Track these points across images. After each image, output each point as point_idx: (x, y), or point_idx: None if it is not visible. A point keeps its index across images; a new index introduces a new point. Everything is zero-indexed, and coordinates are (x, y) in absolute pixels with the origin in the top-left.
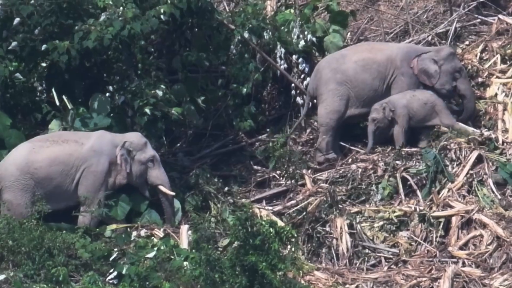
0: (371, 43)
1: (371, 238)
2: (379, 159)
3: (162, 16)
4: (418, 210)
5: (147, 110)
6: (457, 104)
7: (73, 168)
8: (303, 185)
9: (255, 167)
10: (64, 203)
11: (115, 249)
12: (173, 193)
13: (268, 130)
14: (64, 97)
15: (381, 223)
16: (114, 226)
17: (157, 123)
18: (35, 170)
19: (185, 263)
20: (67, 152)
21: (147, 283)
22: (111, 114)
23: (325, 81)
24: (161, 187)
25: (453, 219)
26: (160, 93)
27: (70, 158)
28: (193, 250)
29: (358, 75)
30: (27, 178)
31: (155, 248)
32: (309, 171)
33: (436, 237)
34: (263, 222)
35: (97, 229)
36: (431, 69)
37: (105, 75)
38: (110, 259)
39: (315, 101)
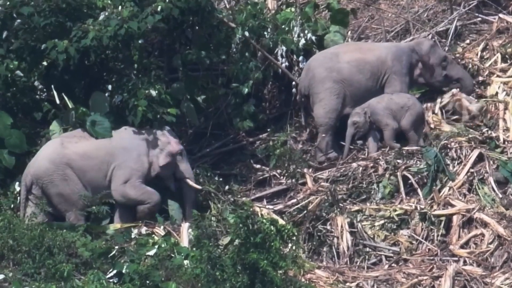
0: (358, 43)
1: (371, 236)
2: (380, 157)
3: (157, 15)
4: (419, 208)
5: (139, 110)
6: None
7: (104, 163)
8: (304, 183)
9: (256, 166)
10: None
11: (115, 247)
12: (200, 187)
13: (269, 129)
14: (64, 95)
15: (382, 221)
16: (118, 225)
17: (151, 123)
18: (69, 160)
19: (186, 261)
20: (96, 147)
21: (148, 281)
22: (111, 113)
23: (320, 80)
24: (189, 181)
25: (454, 217)
26: (153, 93)
27: (99, 153)
28: (194, 248)
29: (354, 75)
30: (63, 168)
31: (156, 246)
32: (310, 169)
33: (437, 235)
34: (264, 220)
35: (100, 226)
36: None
37: (104, 74)
38: (109, 256)
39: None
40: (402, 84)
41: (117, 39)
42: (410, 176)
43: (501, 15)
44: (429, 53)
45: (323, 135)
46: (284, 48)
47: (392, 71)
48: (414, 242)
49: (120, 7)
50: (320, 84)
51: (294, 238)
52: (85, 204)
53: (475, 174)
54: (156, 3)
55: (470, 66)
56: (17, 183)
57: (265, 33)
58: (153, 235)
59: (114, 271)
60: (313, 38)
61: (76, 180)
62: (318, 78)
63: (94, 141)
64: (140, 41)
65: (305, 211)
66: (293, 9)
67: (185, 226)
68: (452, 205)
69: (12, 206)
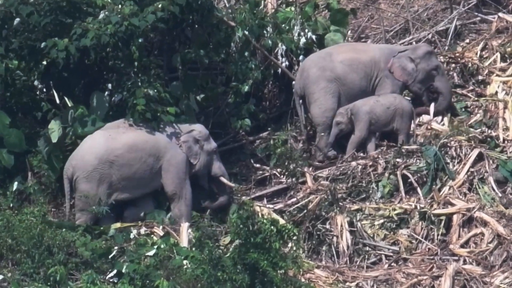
0: (352, 44)
1: (371, 235)
2: (380, 156)
3: (159, 13)
4: (418, 207)
5: (137, 109)
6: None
7: (150, 157)
8: (304, 182)
9: (256, 165)
10: (140, 191)
11: (115, 247)
12: (233, 185)
13: (269, 128)
14: (63, 95)
15: (382, 221)
16: (118, 224)
17: (150, 122)
18: (115, 157)
19: (185, 261)
20: (143, 139)
21: (148, 281)
22: (110, 112)
23: (314, 80)
24: (223, 178)
25: (454, 217)
26: (151, 92)
27: (146, 145)
28: (194, 249)
29: (347, 74)
30: (106, 167)
31: (155, 247)
32: (310, 168)
33: (437, 235)
34: (265, 221)
35: (101, 228)
36: (408, 67)
37: (104, 73)
38: (110, 256)
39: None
40: (393, 87)
41: (117, 36)
42: (409, 175)
43: (500, 14)
44: (422, 58)
45: (322, 134)
46: (284, 47)
47: (384, 74)
48: (413, 241)
49: (120, 6)
50: (314, 84)
51: (295, 238)
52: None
53: (475, 174)
54: (157, 2)
55: (470, 65)
56: (15, 182)
57: (265, 32)
58: (152, 236)
59: (114, 271)
60: (313, 37)
61: (108, 185)
62: (312, 78)
63: (141, 133)
64: (140, 40)
65: (305, 210)
66: (293, 8)
67: (184, 226)
68: (452, 204)
69: (11, 205)
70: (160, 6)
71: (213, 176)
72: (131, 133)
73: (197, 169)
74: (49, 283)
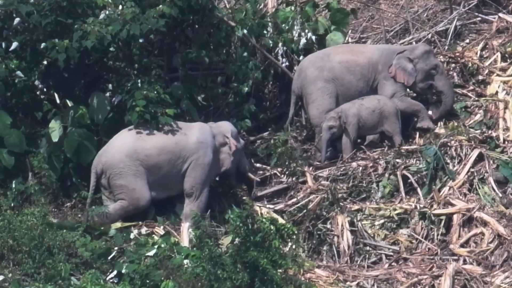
0: (350, 45)
1: (372, 235)
2: (380, 157)
3: (160, 20)
4: (418, 208)
5: (136, 110)
6: (434, 101)
7: (179, 159)
8: (304, 182)
9: (256, 164)
10: (167, 193)
11: (115, 248)
12: (258, 179)
13: (269, 129)
14: (62, 95)
15: (382, 221)
16: (118, 225)
17: (149, 123)
18: (145, 157)
19: (185, 261)
20: (174, 142)
21: (148, 281)
22: (111, 113)
23: (312, 80)
24: (250, 174)
25: (454, 217)
26: (151, 94)
27: (176, 148)
28: (195, 248)
29: (344, 75)
30: (137, 165)
31: (156, 246)
32: (310, 168)
33: (437, 235)
34: (264, 219)
35: (102, 228)
36: (408, 68)
37: (104, 73)
38: (109, 257)
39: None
40: (394, 86)
41: (118, 40)
42: (409, 176)
43: (500, 15)
44: (420, 57)
45: (321, 135)
46: (284, 47)
47: (382, 76)
48: (414, 241)
49: (120, 6)
50: (312, 84)
51: (294, 237)
52: (139, 206)
53: (475, 174)
54: (159, 7)
55: (470, 65)
56: (13, 181)
57: (265, 32)
58: (153, 235)
59: (115, 272)
60: (314, 37)
61: (143, 180)
62: (310, 78)
63: (171, 136)
64: (140, 40)
65: (305, 210)
66: (293, 8)
67: (185, 225)
68: (452, 204)
69: (12, 205)
70: (162, 10)
71: (242, 172)
72: (162, 136)
73: (228, 168)
74: (52, 281)
